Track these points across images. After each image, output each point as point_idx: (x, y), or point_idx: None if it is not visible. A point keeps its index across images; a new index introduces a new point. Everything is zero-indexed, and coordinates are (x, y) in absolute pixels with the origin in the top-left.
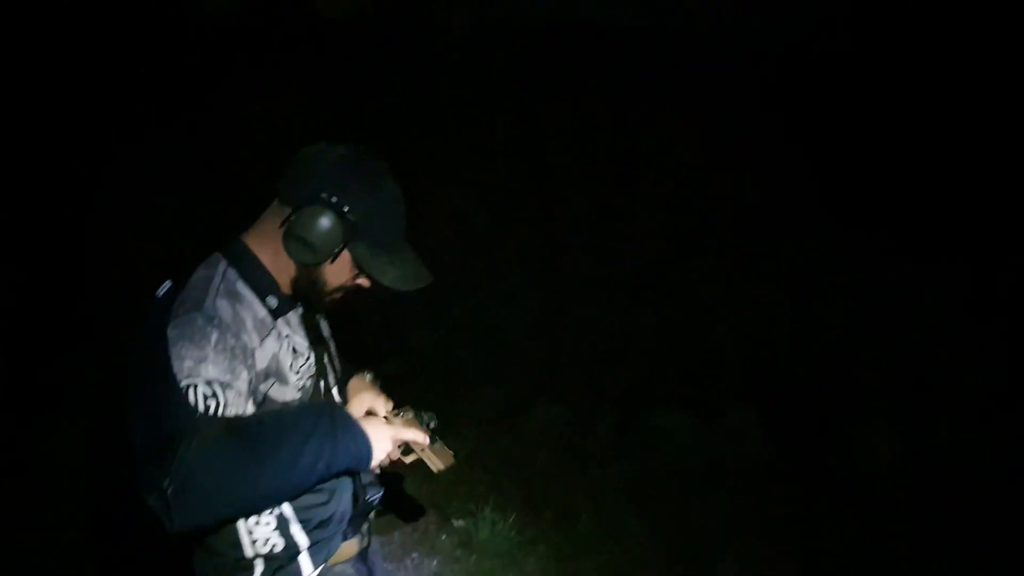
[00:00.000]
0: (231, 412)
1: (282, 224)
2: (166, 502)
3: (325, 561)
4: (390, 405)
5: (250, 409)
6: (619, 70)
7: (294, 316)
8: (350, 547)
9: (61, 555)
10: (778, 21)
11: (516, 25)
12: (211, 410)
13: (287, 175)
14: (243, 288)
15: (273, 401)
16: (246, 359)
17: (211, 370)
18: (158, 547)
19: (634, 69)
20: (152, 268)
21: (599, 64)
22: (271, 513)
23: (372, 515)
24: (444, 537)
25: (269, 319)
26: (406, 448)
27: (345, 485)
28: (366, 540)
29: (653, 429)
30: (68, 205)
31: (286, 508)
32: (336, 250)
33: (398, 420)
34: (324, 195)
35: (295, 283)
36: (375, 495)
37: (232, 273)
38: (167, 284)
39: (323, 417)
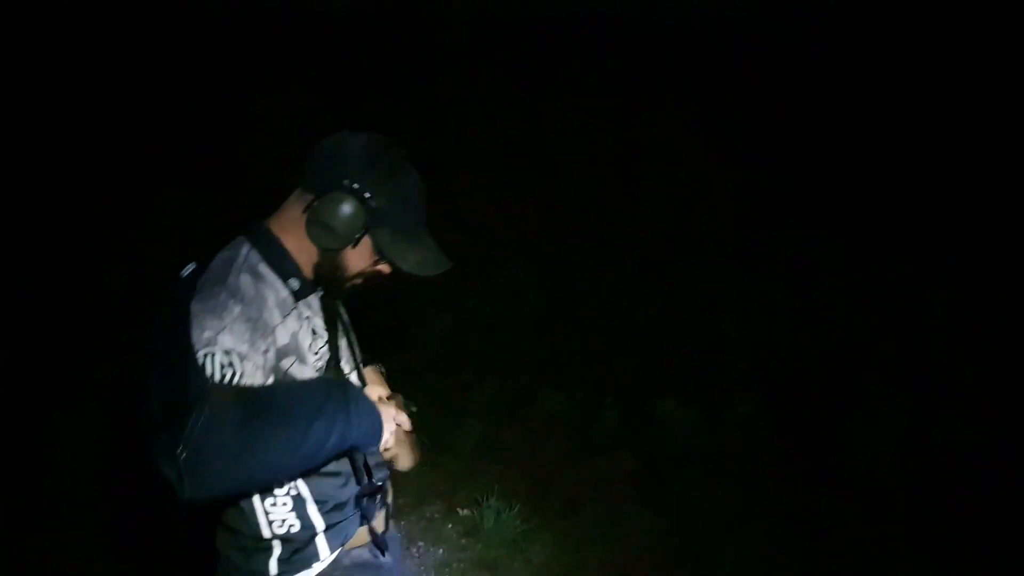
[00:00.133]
0: (246, 383)
1: (305, 210)
2: (179, 470)
3: (342, 544)
4: (385, 394)
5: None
6: (622, 66)
7: (315, 300)
8: (367, 531)
9: (61, 555)
10: (782, 16)
11: (519, 21)
12: (227, 379)
13: (310, 162)
14: (265, 269)
15: (293, 379)
16: (266, 335)
17: (229, 340)
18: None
19: (637, 64)
20: (153, 267)
21: (603, 59)
22: (287, 493)
23: (390, 500)
24: (450, 526)
25: (291, 300)
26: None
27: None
28: (384, 525)
29: (657, 420)
30: (71, 204)
31: (303, 489)
32: (358, 235)
33: (390, 404)
34: (346, 182)
35: (317, 268)
36: (381, 477)
37: (255, 255)
38: (191, 265)
39: (337, 390)
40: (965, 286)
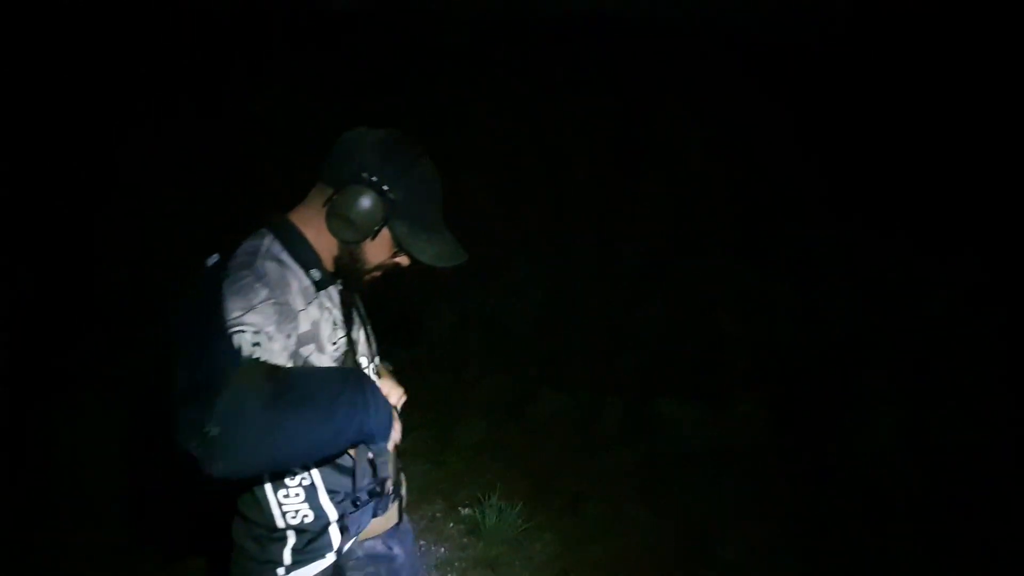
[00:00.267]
0: (275, 362)
1: (325, 203)
2: (208, 446)
3: (356, 535)
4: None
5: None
6: (623, 65)
7: (335, 292)
8: (380, 523)
9: (62, 555)
10: (782, 16)
11: (520, 20)
12: (256, 356)
13: (329, 157)
14: (288, 259)
15: (312, 367)
16: (291, 319)
17: (258, 319)
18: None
19: (638, 64)
20: (154, 267)
21: (603, 59)
22: (300, 484)
23: (404, 492)
24: (452, 525)
25: (312, 289)
26: None
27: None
28: (397, 517)
29: (658, 418)
30: (71, 204)
31: (316, 479)
32: (377, 228)
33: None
34: (365, 175)
35: (337, 260)
36: (395, 468)
37: (277, 245)
38: (215, 256)
39: (355, 380)
40: (965, 286)
